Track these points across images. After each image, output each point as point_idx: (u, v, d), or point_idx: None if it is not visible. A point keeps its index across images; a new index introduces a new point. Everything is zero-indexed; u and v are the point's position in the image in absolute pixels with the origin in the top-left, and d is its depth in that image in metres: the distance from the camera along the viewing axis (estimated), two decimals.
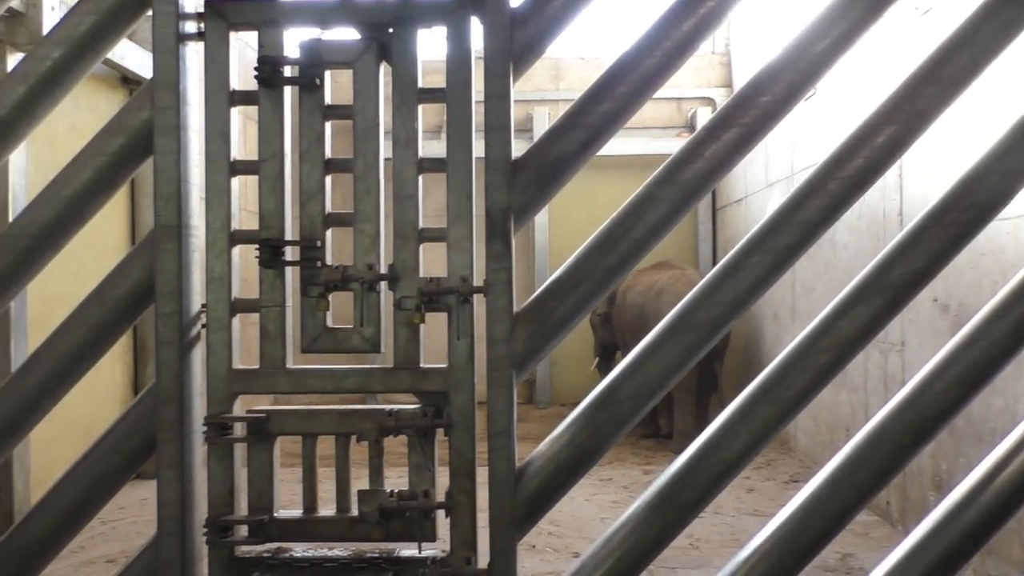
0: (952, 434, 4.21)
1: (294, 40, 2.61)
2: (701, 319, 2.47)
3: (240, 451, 2.62)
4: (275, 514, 2.59)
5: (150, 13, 2.58)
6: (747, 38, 9.23)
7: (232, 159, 2.60)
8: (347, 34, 2.60)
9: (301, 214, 2.59)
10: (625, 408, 2.47)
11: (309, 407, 2.60)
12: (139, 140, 2.58)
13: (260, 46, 2.58)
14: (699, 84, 9.92)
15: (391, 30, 2.57)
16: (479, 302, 2.51)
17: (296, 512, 2.62)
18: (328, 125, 2.62)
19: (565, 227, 9.80)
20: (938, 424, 2.41)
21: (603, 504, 5.80)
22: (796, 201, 2.48)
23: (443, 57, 2.55)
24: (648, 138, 9.56)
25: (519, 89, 2.45)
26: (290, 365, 2.61)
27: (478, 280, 2.52)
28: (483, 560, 2.51)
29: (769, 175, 7.82)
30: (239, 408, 2.62)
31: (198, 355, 2.61)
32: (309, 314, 2.57)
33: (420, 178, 2.58)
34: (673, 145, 9.63)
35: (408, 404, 2.57)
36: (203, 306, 2.60)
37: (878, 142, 2.44)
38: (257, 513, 2.57)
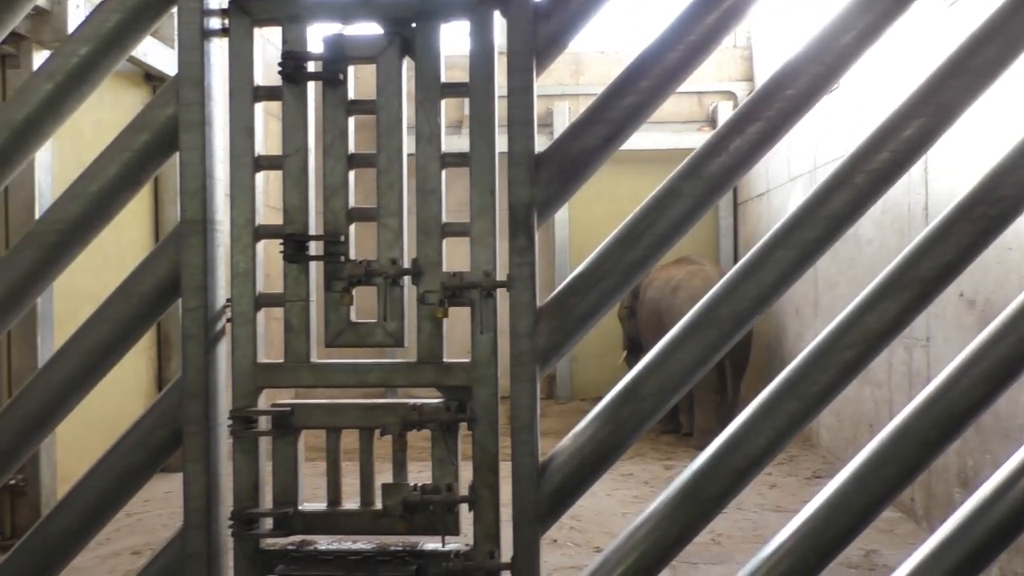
0: (978, 431, 4.17)
1: (317, 36, 2.62)
2: (725, 314, 2.45)
3: (265, 444, 2.64)
4: (299, 507, 2.61)
5: (175, 10, 2.60)
6: (768, 32, 9.16)
7: (256, 155, 2.61)
8: (370, 29, 2.61)
9: (325, 209, 2.60)
10: (648, 404, 2.47)
11: (333, 401, 2.62)
12: (164, 136, 2.60)
13: (284, 42, 2.59)
14: (720, 78, 9.86)
15: (414, 25, 2.57)
16: (502, 297, 2.52)
17: (320, 505, 2.64)
18: (351, 120, 2.63)
19: (585, 222, 9.78)
20: (965, 420, 2.39)
21: (624, 499, 5.79)
22: (821, 195, 2.46)
23: (465, 52, 2.55)
24: (668, 132, 9.51)
25: (539, 84, 2.44)
26: (314, 359, 2.62)
27: (501, 275, 2.52)
28: (506, 554, 2.51)
29: (791, 169, 7.77)
30: (264, 402, 2.64)
31: (223, 349, 2.64)
32: (333, 308, 2.59)
33: (443, 173, 2.59)
34: (694, 139, 9.57)
35: (430, 399, 2.58)
36: (228, 301, 2.62)
37: (905, 135, 2.41)
38: (282, 506, 2.59)
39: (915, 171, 4.95)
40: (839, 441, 6.59)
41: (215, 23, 2.60)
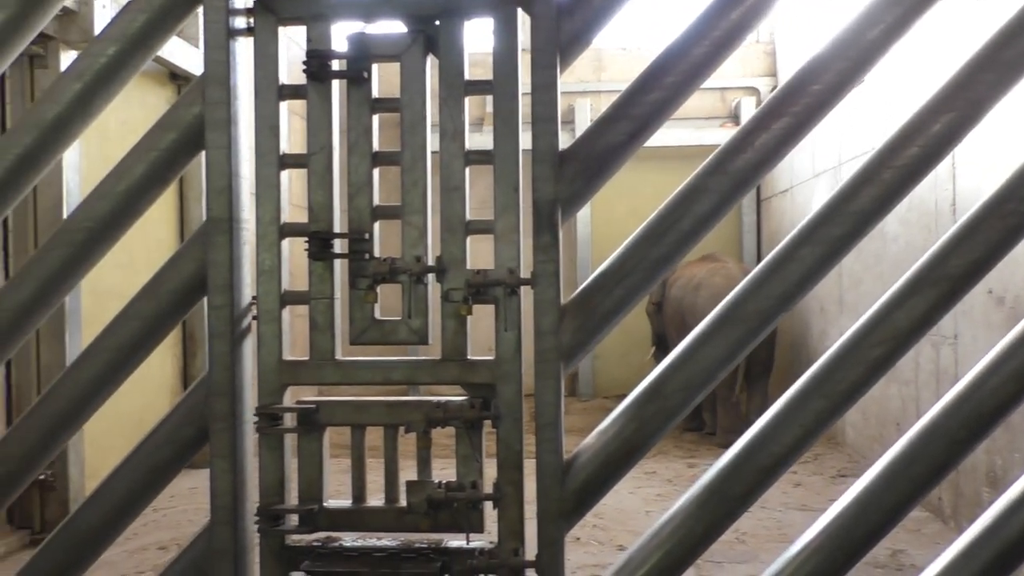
0: (1008, 429, 4.11)
1: (341, 34, 2.63)
2: (751, 311, 2.44)
3: (290, 441, 2.65)
4: (324, 504, 2.62)
5: (200, 9, 2.61)
6: (792, 27, 9.08)
7: (281, 153, 2.62)
8: (394, 27, 2.61)
9: (349, 207, 2.61)
10: (673, 401, 2.45)
11: (358, 398, 2.63)
12: (190, 135, 2.61)
13: (308, 40, 2.60)
14: (743, 74, 9.79)
15: (438, 22, 2.57)
16: (526, 294, 2.51)
17: (345, 502, 2.65)
18: (375, 118, 2.64)
19: (607, 219, 9.74)
20: (994, 419, 2.36)
21: (647, 497, 5.78)
22: (848, 191, 2.44)
23: (488, 50, 2.55)
24: (691, 129, 9.46)
25: (561, 81, 2.44)
26: (339, 357, 2.63)
27: (525, 272, 2.52)
28: (530, 552, 2.51)
29: (816, 165, 7.71)
30: (288, 399, 2.66)
31: (249, 347, 2.65)
32: (357, 306, 2.59)
33: (467, 170, 2.59)
34: (716, 136, 9.51)
35: (454, 396, 2.58)
36: (254, 298, 2.64)
37: (934, 130, 2.38)
38: (307, 503, 2.60)
39: (942, 167, 4.89)
40: (865, 439, 6.54)
41: (240, 22, 2.61)
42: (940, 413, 2.38)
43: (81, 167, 5.02)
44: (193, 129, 2.60)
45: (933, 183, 5.05)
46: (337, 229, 2.62)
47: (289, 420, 2.61)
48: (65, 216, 4.71)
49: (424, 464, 2.59)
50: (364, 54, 2.57)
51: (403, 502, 2.57)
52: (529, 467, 2.49)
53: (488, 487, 2.54)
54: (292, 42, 5.62)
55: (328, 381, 2.62)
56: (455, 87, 2.57)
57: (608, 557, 4.51)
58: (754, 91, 9.81)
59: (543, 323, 2.48)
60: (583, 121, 9.70)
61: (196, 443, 2.64)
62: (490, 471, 2.55)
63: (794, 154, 8.14)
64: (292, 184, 6.71)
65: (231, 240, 2.57)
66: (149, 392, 6.08)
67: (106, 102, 2.69)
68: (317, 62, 2.57)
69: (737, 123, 9.75)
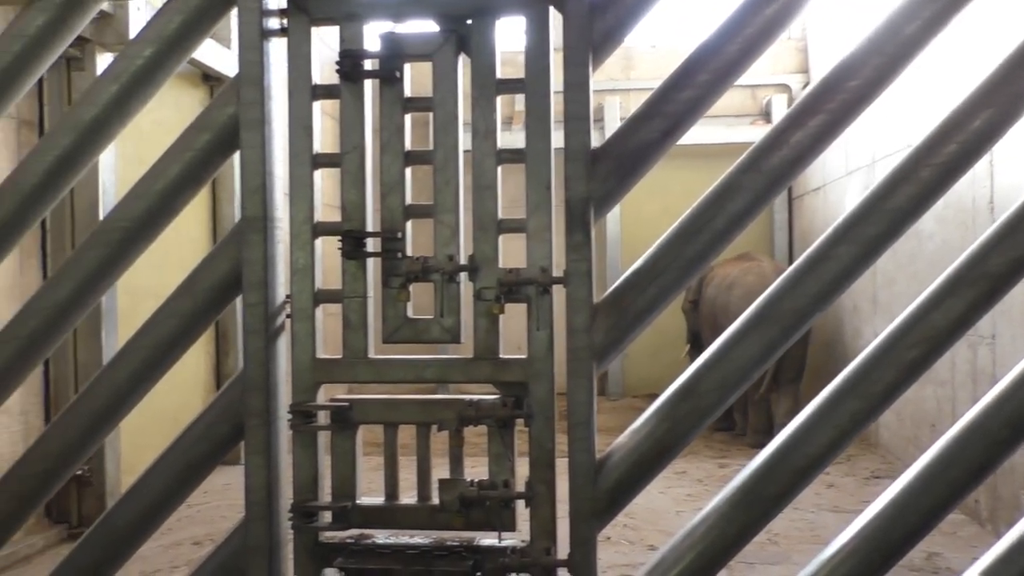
0: None
1: (373, 34, 2.64)
2: (786, 310, 2.42)
3: (323, 439, 2.67)
4: (358, 501, 2.64)
5: (234, 11, 2.64)
6: (824, 23, 8.98)
7: (314, 152, 2.64)
8: (425, 27, 2.62)
9: (382, 206, 2.62)
10: (707, 400, 2.44)
11: (391, 396, 2.64)
12: (225, 135, 2.64)
13: (341, 40, 2.62)
14: (774, 71, 9.69)
15: (469, 21, 2.58)
16: (558, 293, 2.51)
17: (378, 499, 2.66)
18: (408, 117, 2.64)
19: (637, 218, 9.69)
20: None
21: (678, 497, 5.75)
22: (885, 189, 2.41)
23: (518, 48, 2.55)
24: (722, 127, 9.38)
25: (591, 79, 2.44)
26: (372, 355, 2.64)
27: (557, 271, 2.51)
28: (562, 551, 2.51)
29: (849, 163, 7.62)
30: (322, 396, 2.68)
31: (283, 345, 2.67)
32: (390, 304, 2.61)
33: (499, 169, 2.59)
34: (747, 134, 9.43)
35: (486, 395, 2.58)
36: (287, 296, 2.66)
37: (973, 126, 2.35)
38: (340, 500, 2.62)
39: (979, 164, 4.80)
40: (899, 441, 6.45)
41: (274, 23, 2.63)
42: (980, 414, 2.34)
43: (116, 168, 5.09)
44: (228, 129, 2.63)
45: (971, 180, 4.96)
46: (370, 228, 2.63)
47: (323, 418, 2.62)
48: (101, 216, 4.78)
49: (456, 462, 2.60)
50: (396, 53, 2.59)
51: (435, 500, 2.58)
52: (560, 466, 2.49)
53: (520, 486, 2.54)
54: (322, 43, 5.65)
55: (361, 379, 2.64)
56: (487, 86, 2.57)
57: (639, 557, 4.49)
58: (785, 88, 9.71)
59: (575, 322, 2.47)
60: (612, 119, 9.66)
61: (231, 440, 2.66)
62: (521, 470, 2.55)
63: (827, 152, 8.02)
64: (323, 184, 6.76)
65: (265, 239, 2.59)
66: (183, 389, 6.15)
67: (142, 103, 2.73)
68: (350, 62, 2.59)
69: (768, 121, 9.66)
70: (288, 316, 2.66)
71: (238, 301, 2.68)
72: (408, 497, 2.67)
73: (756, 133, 9.31)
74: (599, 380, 9.99)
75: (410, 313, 2.62)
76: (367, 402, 2.63)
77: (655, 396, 2.53)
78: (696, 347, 8.14)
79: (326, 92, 2.66)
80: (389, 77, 2.59)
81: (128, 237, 2.66)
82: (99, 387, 2.69)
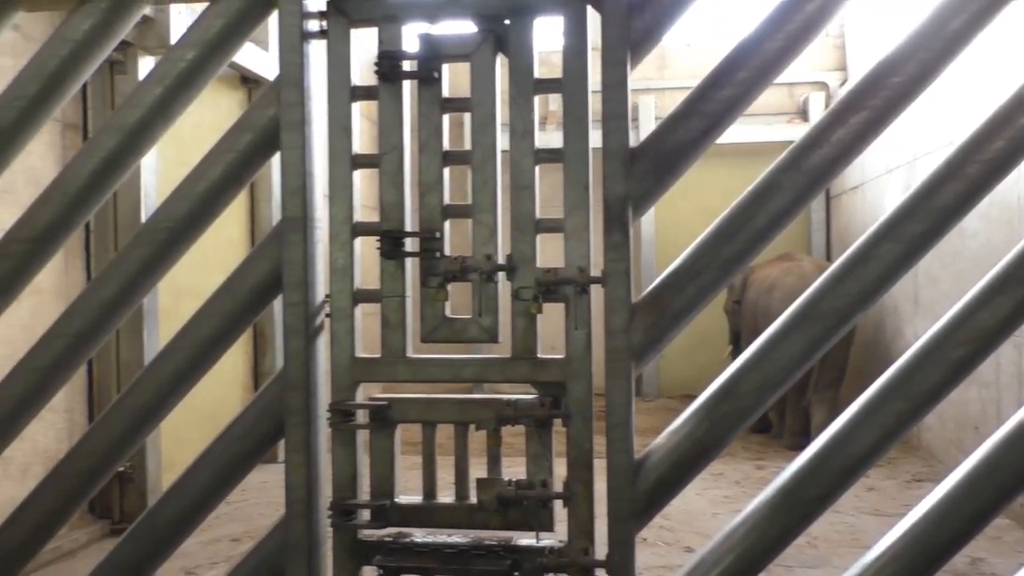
0: None
1: (411, 35, 2.65)
2: (828, 309, 2.39)
3: (362, 437, 2.68)
4: (396, 499, 2.65)
5: (274, 14, 2.66)
6: (863, 19, 8.85)
7: (353, 153, 2.66)
8: (463, 27, 2.63)
9: (420, 206, 2.63)
10: (747, 401, 2.42)
11: (429, 396, 2.65)
12: (266, 136, 2.67)
13: (380, 42, 2.63)
14: (812, 68, 9.57)
15: (507, 22, 2.58)
16: (595, 293, 2.50)
17: (416, 498, 2.67)
18: (445, 118, 2.65)
19: (672, 217, 9.62)
20: None
21: (715, 499, 5.70)
22: (930, 186, 2.37)
23: (554, 48, 2.54)
24: (759, 125, 9.29)
25: None
26: (410, 354, 2.65)
27: (595, 270, 2.50)
28: (599, 551, 2.50)
29: (888, 161, 7.50)
30: (361, 395, 2.69)
31: (322, 344, 2.70)
32: (428, 304, 2.62)
33: (536, 169, 2.59)
34: (784, 132, 9.33)
35: (523, 395, 2.58)
36: (327, 296, 2.68)
37: (1021, 122, 2.30)
38: (379, 498, 2.64)
39: None
40: (942, 443, 6.34)
41: (313, 25, 2.66)
42: None
43: (158, 169, 5.16)
44: (268, 131, 2.66)
45: (1016, 177, 4.85)
46: (408, 228, 2.64)
47: (362, 416, 2.64)
48: (144, 217, 4.87)
49: (494, 461, 2.60)
50: (435, 54, 2.59)
51: (473, 499, 2.58)
52: (598, 466, 2.48)
53: (557, 486, 2.54)
54: (360, 45, 5.69)
55: (400, 378, 2.65)
56: (525, 85, 2.57)
57: (675, 558, 4.46)
58: (823, 86, 9.59)
59: (614, 322, 2.46)
60: (647, 119, 9.61)
61: (271, 438, 2.69)
62: (558, 470, 2.55)
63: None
64: (361, 184, 6.81)
65: (305, 239, 2.61)
66: (223, 388, 6.23)
67: (185, 105, 2.77)
68: (388, 63, 2.60)
69: (805, 119, 9.54)
70: (327, 316, 2.68)
71: (276, 301, 2.71)
72: (446, 496, 2.67)
73: (793, 132, 9.21)
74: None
75: (448, 312, 2.63)
76: (406, 401, 2.64)
77: (690, 397, 2.52)
78: (738, 348, 8.06)
79: (365, 93, 2.68)
80: (427, 78, 2.60)
81: (172, 237, 2.70)
82: (142, 385, 2.73)
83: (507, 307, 2.58)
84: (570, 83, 2.55)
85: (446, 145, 2.64)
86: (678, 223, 9.43)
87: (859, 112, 2.42)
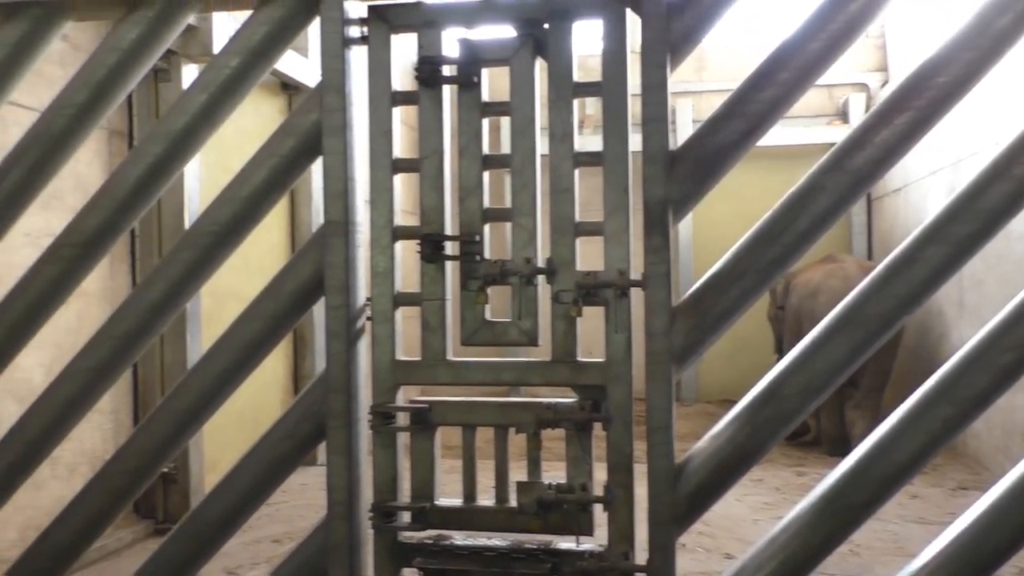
0: None
1: (451, 40, 2.67)
2: (872, 313, 2.35)
3: (402, 439, 2.70)
4: (436, 502, 2.67)
5: (316, 21, 2.70)
6: (904, 19, 8.72)
7: (394, 157, 2.68)
8: (502, 32, 2.64)
9: (460, 209, 2.65)
10: (789, 405, 2.39)
11: (470, 399, 2.66)
12: (308, 141, 2.70)
13: (419, 47, 2.65)
14: (852, 69, 9.44)
15: (546, 25, 2.58)
16: (635, 296, 2.49)
17: (456, 501, 2.68)
18: (485, 122, 2.66)
19: (710, 221, 9.54)
20: None
21: (754, 505, 5.64)
22: (977, 187, 2.33)
23: (592, 52, 2.54)
24: (799, 127, 9.18)
25: None
26: (450, 357, 2.67)
27: (635, 274, 2.50)
28: (639, 556, 2.49)
29: (931, 163, 7.38)
30: (401, 398, 2.71)
31: (363, 346, 2.72)
32: (468, 307, 2.63)
33: (576, 172, 2.59)
34: (824, 134, 9.22)
35: (563, 398, 2.58)
36: (368, 299, 2.71)
37: None
38: (419, 500, 2.65)
39: None
40: (988, 450, 6.22)
41: (355, 32, 2.68)
42: None
43: (201, 175, 5.25)
44: (311, 135, 2.69)
45: None
46: (448, 232, 2.66)
47: (402, 419, 2.66)
48: (188, 222, 4.96)
49: (534, 465, 2.61)
50: (474, 59, 2.61)
51: (513, 502, 2.58)
52: (638, 471, 2.47)
53: (597, 490, 2.53)
54: (399, 51, 5.73)
55: (440, 381, 2.66)
56: (564, 89, 2.58)
57: (715, 564, 4.42)
58: (863, 87, 9.47)
59: (654, 325, 2.45)
60: (684, 122, 9.55)
61: (313, 440, 2.72)
62: (598, 474, 2.54)
63: None
64: (401, 189, 6.86)
65: (347, 243, 2.64)
66: (264, 390, 6.31)
67: (229, 112, 2.81)
68: (428, 68, 2.62)
69: (845, 120, 9.42)
70: (369, 319, 2.70)
71: (316, 305, 2.74)
72: (486, 499, 2.68)
73: (832, 134, 9.09)
74: None
75: (488, 316, 2.64)
76: (446, 404, 2.65)
77: (729, 402, 2.50)
78: (783, 357, 7.93)
79: (405, 98, 2.70)
80: (467, 82, 2.62)
81: (217, 241, 2.74)
82: (187, 388, 2.78)
83: (547, 310, 2.58)
84: (610, 86, 2.55)
85: (486, 149, 2.66)
86: (715, 226, 9.35)
87: (904, 113, 2.38)
